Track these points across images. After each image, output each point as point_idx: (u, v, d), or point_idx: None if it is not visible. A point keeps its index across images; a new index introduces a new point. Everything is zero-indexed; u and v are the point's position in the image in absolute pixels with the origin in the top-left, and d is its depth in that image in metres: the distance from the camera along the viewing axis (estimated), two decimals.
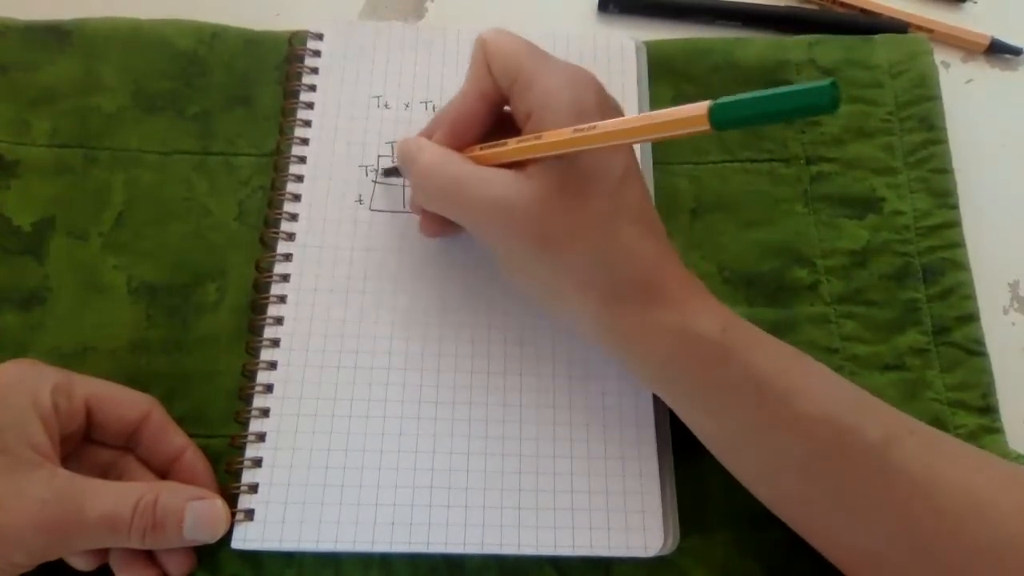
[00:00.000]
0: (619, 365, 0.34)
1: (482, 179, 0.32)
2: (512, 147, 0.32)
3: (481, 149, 0.33)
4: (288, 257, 0.38)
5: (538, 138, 0.30)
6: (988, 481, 0.28)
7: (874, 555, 0.29)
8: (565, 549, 0.33)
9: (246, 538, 0.33)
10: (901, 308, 0.39)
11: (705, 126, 0.24)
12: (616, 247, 0.31)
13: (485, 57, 0.33)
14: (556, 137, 0.30)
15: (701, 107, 0.24)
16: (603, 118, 0.29)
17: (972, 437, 0.36)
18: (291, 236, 0.38)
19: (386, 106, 0.41)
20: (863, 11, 0.47)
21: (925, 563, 0.28)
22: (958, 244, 0.40)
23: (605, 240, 0.31)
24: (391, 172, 0.39)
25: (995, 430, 0.37)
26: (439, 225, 0.36)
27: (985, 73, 0.46)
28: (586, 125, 0.29)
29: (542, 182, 0.30)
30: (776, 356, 0.31)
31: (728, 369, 0.30)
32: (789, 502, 0.31)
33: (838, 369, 0.37)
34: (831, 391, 0.30)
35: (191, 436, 0.34)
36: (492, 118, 0.34)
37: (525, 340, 0.37)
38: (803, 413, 0.29)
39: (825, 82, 0.22)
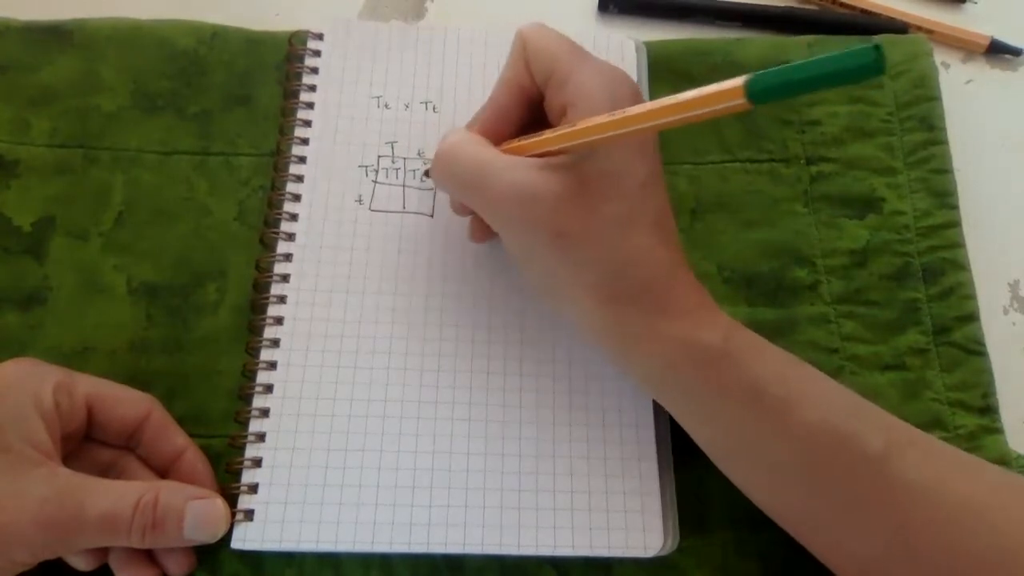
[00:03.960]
0: (618, 369, 0.34)
1: (505, 166, 0.31)
2: (546, 137, 0.31)
3: (518, 141, 0.33)
4: (288, 257, 0.38)
5: (572, 126, 0.30)
6: (988, 490, 0.28)
7: (873, 564, 0.29)
8: (565, 549, 0.33)
9: (246, 538, 0.33)
10: (901, 308, 0.39)
11: (741, 99, 0.24)
12: (628, 252, 0.31)
13: (523, 51, 0.33)
14: (590, 123, 0.29)
15: (737, 81, 0.24)
16: None
17: (972, 437, 0.36)
18: (291, 236, 0.38)
19: (386, 106, 0.41)
20: (863, 11, 0.47)
21: (924, 573, 0.28)
22: (958, 244, 0.40)
23: (618, 243, 0.30)
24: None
25: (995, 430, 0.37)
26: (487, 230, 0.36)
27: (985, 73, 0.46)
28: (619, 111, 0.28)
29: (565, 176, 0.30)
30: (776, 364, 0.31)
31: (727, 377, 0.30)
32: (788, 510, 0.31)
33: (838, 369, 0.38)
34: (831, 399, 0.30)
35: (191, 436, 0.34)
36: (528, 112, 0.34)
37: (525, 340, 0.37)
38: (802, 421, 0.29)
39: (868, 45, 0.21)
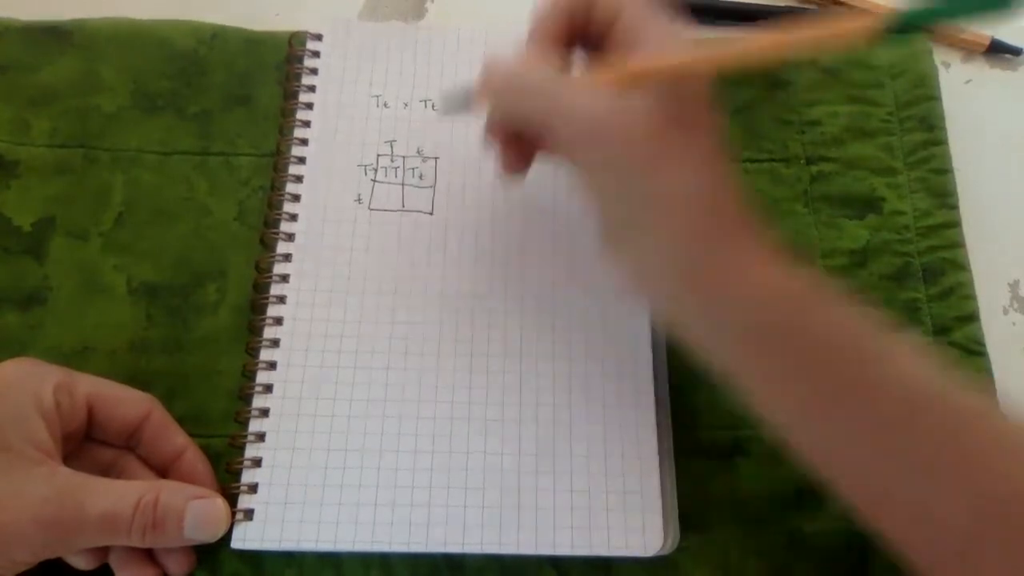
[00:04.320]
0: (685, 323, 0.31)
1: (589, 88, 0.30)
2: (647, 65, 0.30)
3: (593, 69, 0.32)
4: (288, 257, 0.38)
5: (672, 56, 0.29)
6: None
7: (959, 536, 0.26)
8: (565, 549, 0.33)
9: (246, 538, 0.33)
10: (901, 308, 0.39)
11: (874, 26, 0.23)
12: (718, 183, 0.29)
13: None
14: (693, 55, 0.28)
15: (869, 19, 0.24)
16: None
17: None
18: (291, 236, 0.38)
19: (385, 105, 0.41)
20: (863, 11, 0.47)
21: (1017, 541, 0.25)
22: (958, 244, 0.40)
23: (712, 178, 0.29)
24: (456, 103, 0.35)
25: None
26: (522, 158, 0.34)
27: (985, 73, 0.46)
28: (746, 38, 0.27)
29: (656, 104, 0.29)
30: (869, 317, 0.29)
31: (821, 323, 0.28)
32: (867, 478, 0.28)
33: None
34: (923, 356, 0.28)
35: (191, 436, 0.35)
36: (573, 41, 0.33)
37: (525, 339, 0.37)
38: (899, 373, 0.27)
39: None
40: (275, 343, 0.36)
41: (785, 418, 0.29)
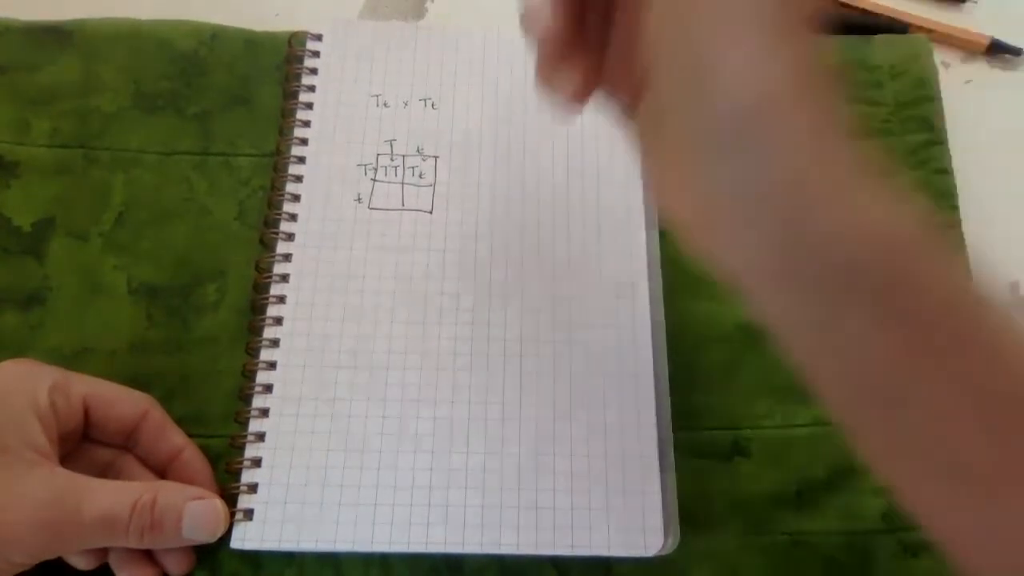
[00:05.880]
0: (749, 256, 0.23)
1: None
2: None
3: None
4: (288, 257, 0.38)
5: None
6: None
7: None
8: (565, 549, 0.33)
9: (245, 538, 0.33)
10: None
11: None
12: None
13: None
14: None
15: None
16: None
17: None
18: (290, 236, 0.38)
19: (385, 105, 0.41)
20: (864, 11, 0.47)
21: None
22: (958, 245, 0.40)
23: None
24: None
25: None
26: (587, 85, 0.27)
27: (985, 73, 0.46)
28: None
29: None
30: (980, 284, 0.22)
31: (938, 285, 0.21)
32: (963, 482, 0.21)
33: None
34: None
35: (191, 436, 0.35)
36: None
37: (525, 338, 0.37)
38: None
39: None
40: (275, 343, 0.36)
41: (849, 391, 0.23)
